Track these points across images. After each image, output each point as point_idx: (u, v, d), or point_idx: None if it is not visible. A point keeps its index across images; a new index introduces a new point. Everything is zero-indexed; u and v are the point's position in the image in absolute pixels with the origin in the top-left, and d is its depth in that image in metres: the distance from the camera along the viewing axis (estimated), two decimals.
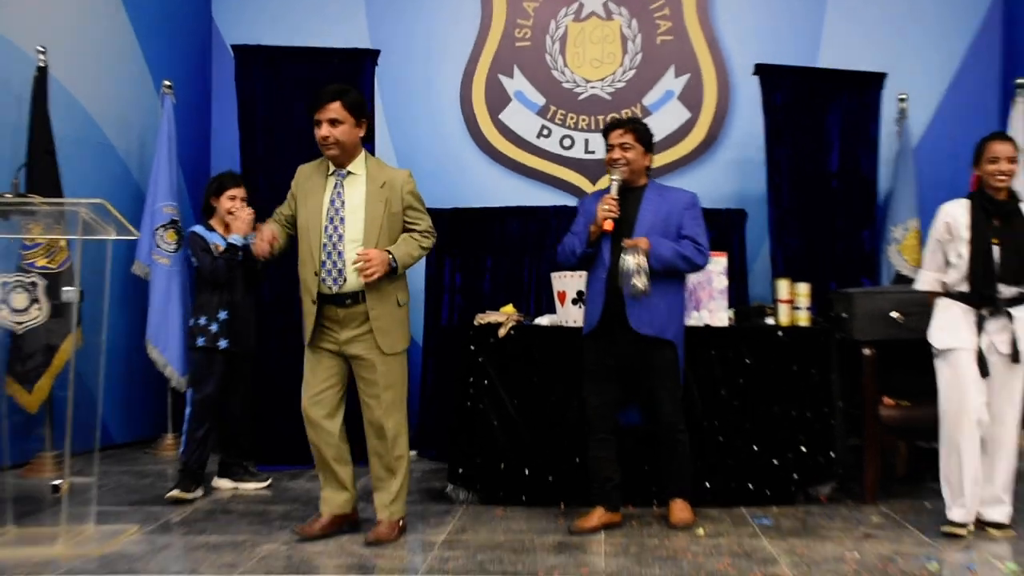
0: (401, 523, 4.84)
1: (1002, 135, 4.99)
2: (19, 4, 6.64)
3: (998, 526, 4.77)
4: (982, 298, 4.79)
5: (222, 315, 5.84)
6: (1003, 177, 4.80)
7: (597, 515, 4.97)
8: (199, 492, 5.73)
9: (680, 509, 5.02)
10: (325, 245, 4.61)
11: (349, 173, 4.75)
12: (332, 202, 4.66)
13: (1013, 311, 4.74)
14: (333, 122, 4.66)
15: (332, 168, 4.78)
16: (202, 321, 5.84)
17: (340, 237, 4.61)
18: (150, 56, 7.88)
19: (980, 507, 4.80)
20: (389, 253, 4.57)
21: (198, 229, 5.98)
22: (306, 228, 4.70)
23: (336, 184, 4.73)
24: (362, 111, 4.85)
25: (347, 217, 4.64)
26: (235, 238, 5.85)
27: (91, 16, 7.32)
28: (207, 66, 8.71)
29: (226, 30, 8.66)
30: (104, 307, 4.94)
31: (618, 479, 5.13)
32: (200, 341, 5.82)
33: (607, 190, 5.01)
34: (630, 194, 5.04)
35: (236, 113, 7.00)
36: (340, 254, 4.59)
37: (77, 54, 7.03)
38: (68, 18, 7.07)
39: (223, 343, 5.81)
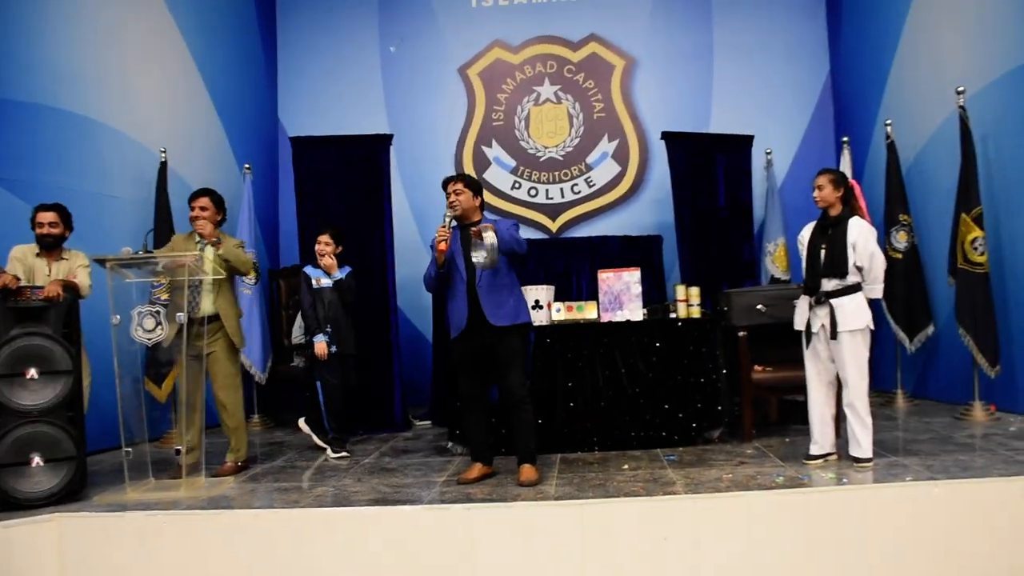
0: (240, 463, 5.31)
1: (820, 171, 4.90)
2: (146, 114, 6.81)
3: (856, 460, 4.64)
4: (810, 290, 4.80)
5: (328, 328, 5.87)
6: (816, 199, 4.82)
7: (477, 469, 4.85)
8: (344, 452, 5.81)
9: (527, 471, 4.69)
10: None
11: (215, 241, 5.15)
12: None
13: (834, 300, 4.66)
14: (203, 208, 5.16)
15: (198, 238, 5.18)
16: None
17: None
18: (236, 147, 8.02)
19: (849, 446, 4.71)
20: None
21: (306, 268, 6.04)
22: None
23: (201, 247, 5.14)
24: (221, 204, 5.33)
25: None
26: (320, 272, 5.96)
27: (195, 121, 7.48)
28: (275, 151, 8.84)
29: (288, 124, 8.83)
30: (204, 327, 5.06)
31: (491, 441, 5.02)
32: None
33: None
34: (469, 228, 4.81)
35: (293, 184, 7.11)
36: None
37: (186, 150, 7.17)
38: (179, 125, 7.23)
39: (334, 348, 5.86)
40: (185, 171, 7.08)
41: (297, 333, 7.55)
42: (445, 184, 5.02)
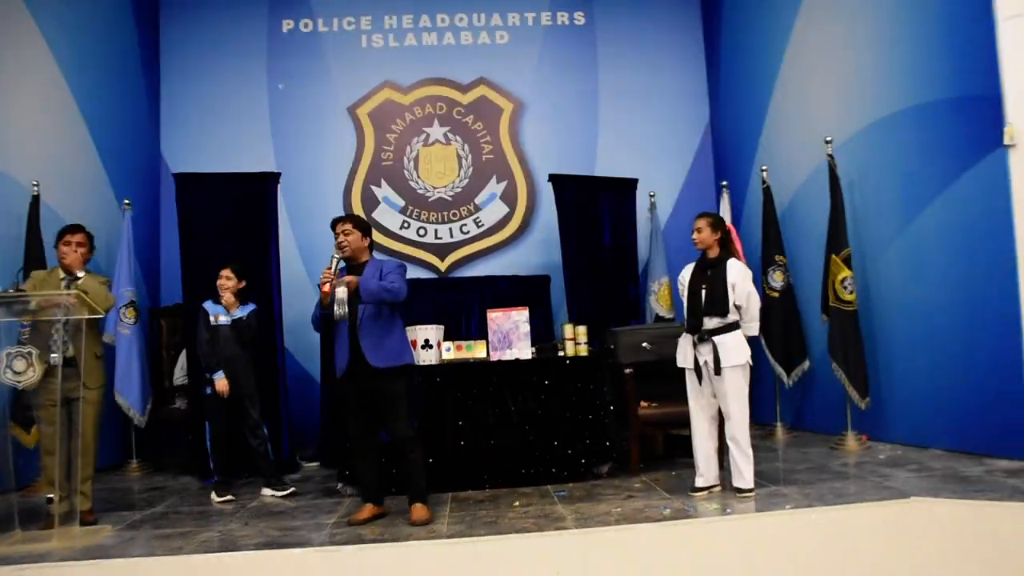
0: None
1: (699, 214, 5.09)
2: (18, 147, 6.50)
3: (739, 491, 4.78)
4: (693, 328, 4.94)
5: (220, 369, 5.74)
6: (695, 241, 5.01)
7: (368, 509, 4.80)
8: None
9: (418, 510, 4.69)
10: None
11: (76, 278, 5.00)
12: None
13: (716, 338, 4.82)
14: (78, 245, 5.07)
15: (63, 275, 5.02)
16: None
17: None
18: (115, 182, 7.74)
19: (732, 478, 4.85)
20: None
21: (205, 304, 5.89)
22: None
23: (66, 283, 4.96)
24: (91, 241, 5.21)
25: None
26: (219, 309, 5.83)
27: (69, 154, 7.18)
28: (157, 187, 8.60)
29: (170, 159, 8.62)
30: (80, 367, 4.83)
31: (381, 481, 4.97)
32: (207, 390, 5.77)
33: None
34: (355, 268, 4.88)
35: (176, 221, 6.91)
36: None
37: (60, 183, 6.86)
38: (53, 156, 6.93)
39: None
40: (59, 205, 6.77)
41: (179, 374, 7.35)
42: (334, 225, 5.03)
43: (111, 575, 3.97)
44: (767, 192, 7.37)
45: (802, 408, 7.48)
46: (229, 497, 5.61)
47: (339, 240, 4.90)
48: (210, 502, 5.59)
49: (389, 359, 4.77)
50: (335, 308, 4.74)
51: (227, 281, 5.84)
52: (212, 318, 5.81)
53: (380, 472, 5.04)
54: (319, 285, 4.82)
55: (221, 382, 5.69)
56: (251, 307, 5.94)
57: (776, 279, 7.20)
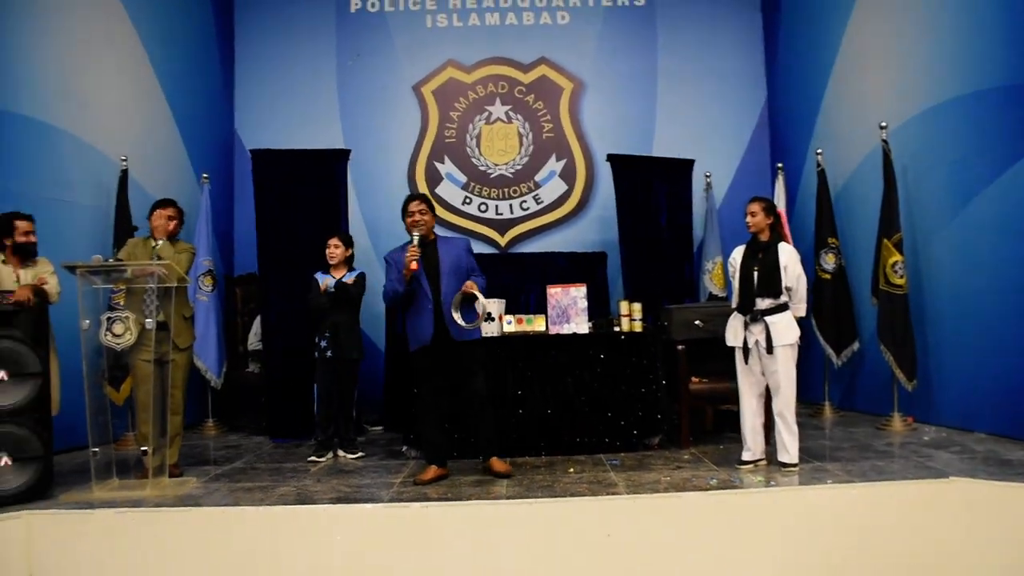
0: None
1: (753, 198, 5.25)
2: (107, 124, 6.87)
3: (783, 465, 4.98)
4: (745, 309, 5.12)
5: (327, 334, 5.96)
6: (749, 225, 5.17)
7: (432, 471, 5.04)
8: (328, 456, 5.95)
9: (499, 463, 5.11)
10: None
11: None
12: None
13: (768, 318, 5.00)
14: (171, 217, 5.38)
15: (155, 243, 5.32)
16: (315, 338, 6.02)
17: None
18: (193, 157, 8.10)
19: (778, 452, 5.05)
20: None
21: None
22: None
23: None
24: (182, 216, 5.52)
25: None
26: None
27: (154, 131, 7.56)
28: (231, 162, 8.95)
29: (244, 136, 8.96)
30: (170, 331, 5.18)
31: (444, 444, 5.23)
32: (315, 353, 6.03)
33: (406, 244, 5.08)
34: (427, 245, 5.10)
35: (252, 195, 7.13)
36: None
37: (145, 158, 7.23)
38: (140, 133, 7.31)
39: (329, 353, 5.97)
40: (144, 179, 7.17)
41: (253, 340, 7.72)
42: (407, 204, 5.25)
43: (201, 520, 4.31)
44: (821, 175, 7.45)
45: (850, 388, 7.61)
46: (329, 457, 5.94)
47: (415, 219, 5.15)
48: (283, 460, 5.94)
49: (470, 333, 5.10)
50: (474, 320, 5.08)
51: (335, 249, 6.10)
52: (320, 284, 6.04)
53: (446, 436, 5.33)
54: (389, 260, 5.11)
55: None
56: (356, 272, 6.19)
57: (828, 261, 7.32)
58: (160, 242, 5.34)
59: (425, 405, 5.21)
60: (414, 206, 5.20)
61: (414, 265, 4.97)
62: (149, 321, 5.03)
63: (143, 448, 5.07)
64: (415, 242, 5.03)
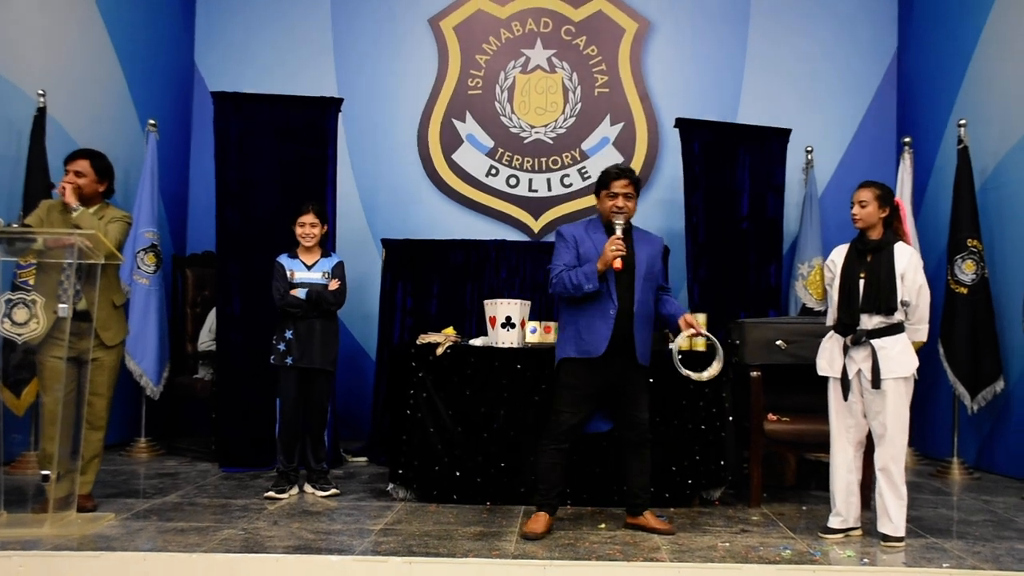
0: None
1: (863, 183, 5.16)
2: (22, 50, 6.84)
3: (885, 538, 4.88)
4: (846, 328, 5.02)
5: (288, 334, 5.97)
6: (856, 218, 5.10)
7: (544, 520, 5.09)
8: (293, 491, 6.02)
9: (654, 519, 5.20)
10: None
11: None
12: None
13: (876, 341, 4.89)
14: (79, 173, 5.31)
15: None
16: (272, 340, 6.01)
17: None
18: (137, 97, 8.14)
19: (878, 521, 4.95)
20: None
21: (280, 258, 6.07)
22: None
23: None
24: (106, 172, 5.50)
25: None
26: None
27: (85, 60, 7.56)
28: (189, 107, 8.98)
29: (208, 75, 8.99)
30: (93, 323, 5.14)
31: (563, 484, 5.31)
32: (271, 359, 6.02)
33: (590, 222, 5.30)
34: (624, 236, 5.12)
35: (213, 151, 7.11)
36: None
37: (72, 95, 7.25)
38: (65, 63, 7.30)
39: (289, 360, 5.96)
40: (68, 122, 7.19)
41: (206, 338, 7.76)
42: (614, 179, 5.23)
43: (117, 569, 4.32)
44: (963, 155, 7.36)
45: (990, 442, 7.48)
46: (292, 493, 6.00)
47: (619, 204, 5.17)
48: (233, 495, 5.96)
49: (647, 356, 5.23)
50: (715, 367, 5.19)
51: (311, 228, 6.06)
52: (289, 274, 6.02)
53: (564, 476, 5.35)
54: (605, 255, 5.03)
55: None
56: (335, 259, 6.20)
57: (965, 270, 7.21)
58: (79, 208, 5.27)
59: (559, 432, 5.21)
60: (620, 185, 5.20)
61: (619, 264, 5.02)
62: (63, 307, 4.99)
63: (45, 472, 5.01)
64: (619, 233, 5.07)
